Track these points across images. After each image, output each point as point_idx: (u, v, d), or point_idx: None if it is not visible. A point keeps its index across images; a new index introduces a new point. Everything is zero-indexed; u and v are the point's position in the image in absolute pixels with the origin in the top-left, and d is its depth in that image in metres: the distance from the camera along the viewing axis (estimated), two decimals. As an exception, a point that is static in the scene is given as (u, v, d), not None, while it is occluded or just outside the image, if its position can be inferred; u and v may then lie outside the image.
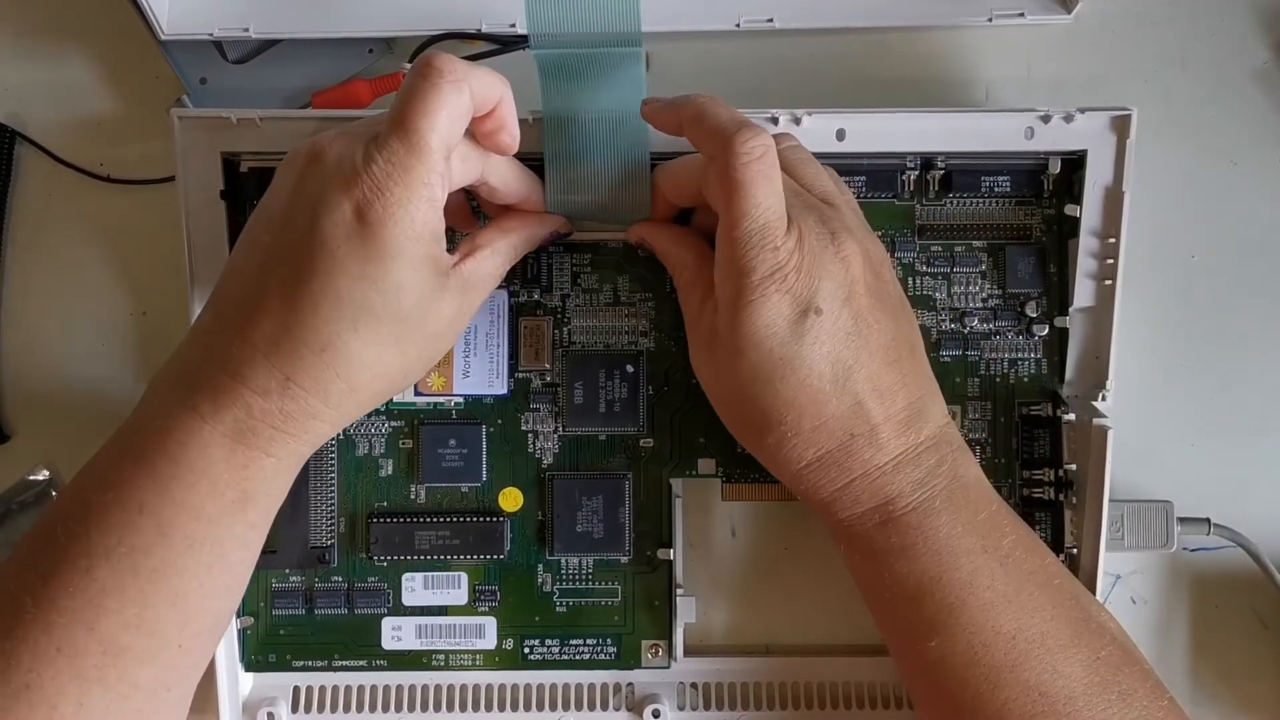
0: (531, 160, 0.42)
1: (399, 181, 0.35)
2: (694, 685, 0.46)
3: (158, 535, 0.35)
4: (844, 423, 0.37)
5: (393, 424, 0.45)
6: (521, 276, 0.45)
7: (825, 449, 0.37)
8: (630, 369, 0.45)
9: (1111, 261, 0.43)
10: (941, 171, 0.45)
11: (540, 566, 0.45)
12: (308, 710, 0.46)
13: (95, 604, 0.34)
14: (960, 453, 0.39)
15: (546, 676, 0.46)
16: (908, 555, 0.37)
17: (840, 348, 0.37)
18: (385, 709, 0.46)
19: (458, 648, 0.46)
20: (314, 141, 0.37)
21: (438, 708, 0.46)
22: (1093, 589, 0.43)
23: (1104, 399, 0.44)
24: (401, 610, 0.45)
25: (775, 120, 0.43)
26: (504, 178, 0.41)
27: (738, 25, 0.46)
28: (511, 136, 0.39)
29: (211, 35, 0.46)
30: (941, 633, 0.36)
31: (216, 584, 0.37)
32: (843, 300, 0.37)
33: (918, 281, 0.45)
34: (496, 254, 0.40)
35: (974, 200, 0.45)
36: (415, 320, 0.37)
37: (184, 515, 0.35)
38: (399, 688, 0.46)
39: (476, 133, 0.39)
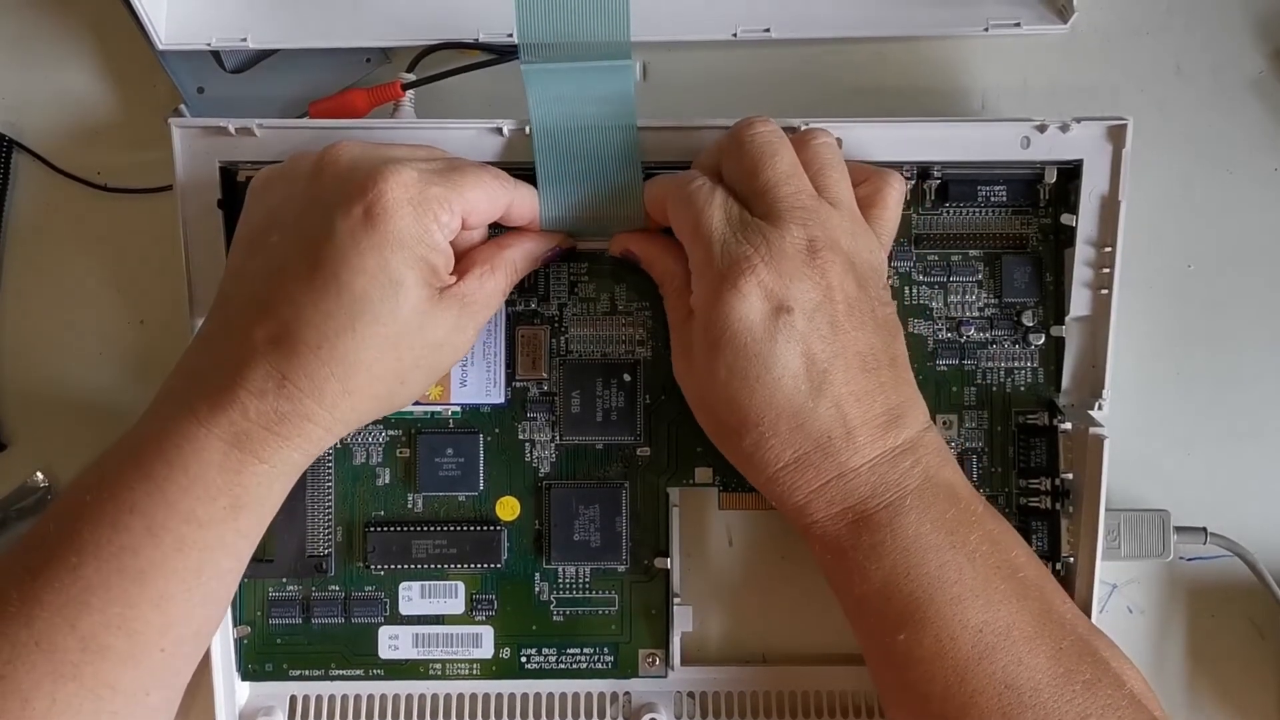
0: (523, 171, 0.42)
1: (420, 191, 0.37)
2: (691, 694, 0.46)
3: (147, 536, 0.35)
4: (822, 425, 0.37)
5: (390, 433, 0.45)
6: (519, 285, 0.45)
7: (803, 450, 0.38)
8: (627, 378, 0.45)
9: (1108, 271, 0.43)
10: (938, 181, 0.45)
11: (537, 575, 0.45)
12: None
13: (79, 601, 0.35)
14: (936, 454, 0.39)
15: (543, 686, 0.46)
16: (876, 552, 0.38)
17: (815, 349, 0.37)
18: (382, 718, 0.46)
19: (455, 657, 0.46)
20: (321, 152, 0.39)
21: (435, 717, 0.46)
22: (1089, 598, 0.43)
23: (1100, 408, 0.44)
24: (398, 619, 0.45)
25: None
26: (520, 207, 0.42)
27: (734, 35, 0.46)
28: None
29: (209, 45, 0.46)
30: (909, 626, 0.37)
31: (203, 590, 0.37)
32: (816, 303, 0.37)
33: (914, 291, 0.45)
34: (495, 271, 0.41)
35: (970, 209, 0.45)
36: (413, 325, 0.38)
37: (175, 518, 0.36)
38: (396, 697, 0.46)
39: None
